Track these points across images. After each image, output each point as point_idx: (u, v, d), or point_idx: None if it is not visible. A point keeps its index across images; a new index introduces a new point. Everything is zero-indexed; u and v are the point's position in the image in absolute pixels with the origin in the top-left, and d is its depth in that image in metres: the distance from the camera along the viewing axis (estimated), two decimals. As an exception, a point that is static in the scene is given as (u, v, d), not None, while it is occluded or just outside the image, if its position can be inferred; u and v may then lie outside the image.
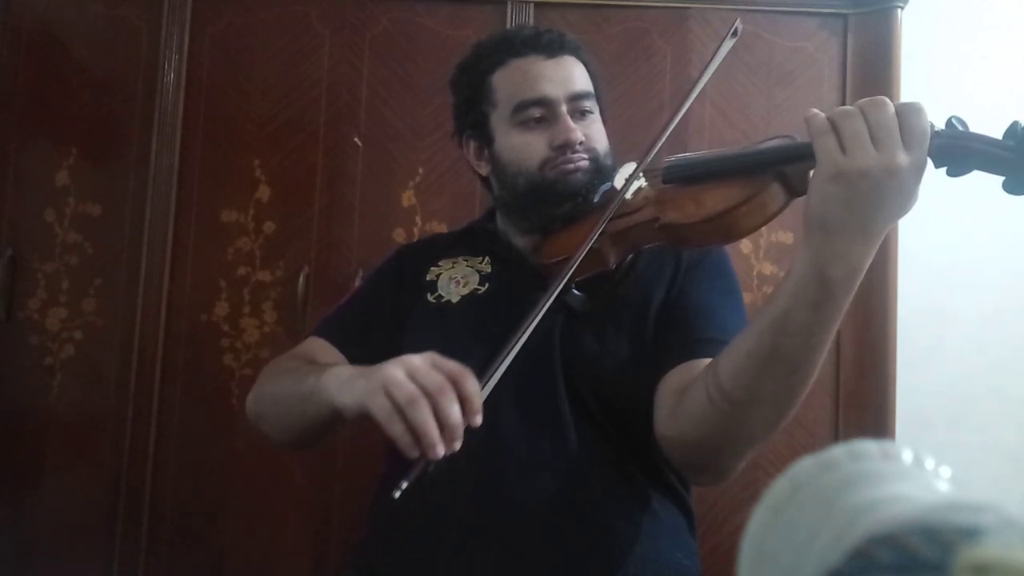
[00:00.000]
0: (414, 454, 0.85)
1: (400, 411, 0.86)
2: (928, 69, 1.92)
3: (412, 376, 0.87)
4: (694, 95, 1.12)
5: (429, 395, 0.86)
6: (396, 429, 0.86)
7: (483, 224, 1.34)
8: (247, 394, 1.70)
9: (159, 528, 1.71)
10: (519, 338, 0.98)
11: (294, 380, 1.10)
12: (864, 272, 0.84)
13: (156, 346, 1.72)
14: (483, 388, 0.91)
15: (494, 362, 0.95)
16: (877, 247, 0.84)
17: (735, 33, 1.14)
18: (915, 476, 0.37)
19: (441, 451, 0.85)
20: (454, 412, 0.85)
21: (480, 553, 1.06)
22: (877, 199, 0.80)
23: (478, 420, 0.88)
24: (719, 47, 1.13)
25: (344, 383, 0.96)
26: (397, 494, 0.83)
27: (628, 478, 1.12)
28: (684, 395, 1.00)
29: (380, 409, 0.87)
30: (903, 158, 0.79)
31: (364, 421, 0.93)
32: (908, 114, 0.80)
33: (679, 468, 1.09)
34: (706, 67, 1.12)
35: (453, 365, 0.89)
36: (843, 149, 0.81)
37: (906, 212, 0.83)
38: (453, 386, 0.87)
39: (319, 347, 1.24)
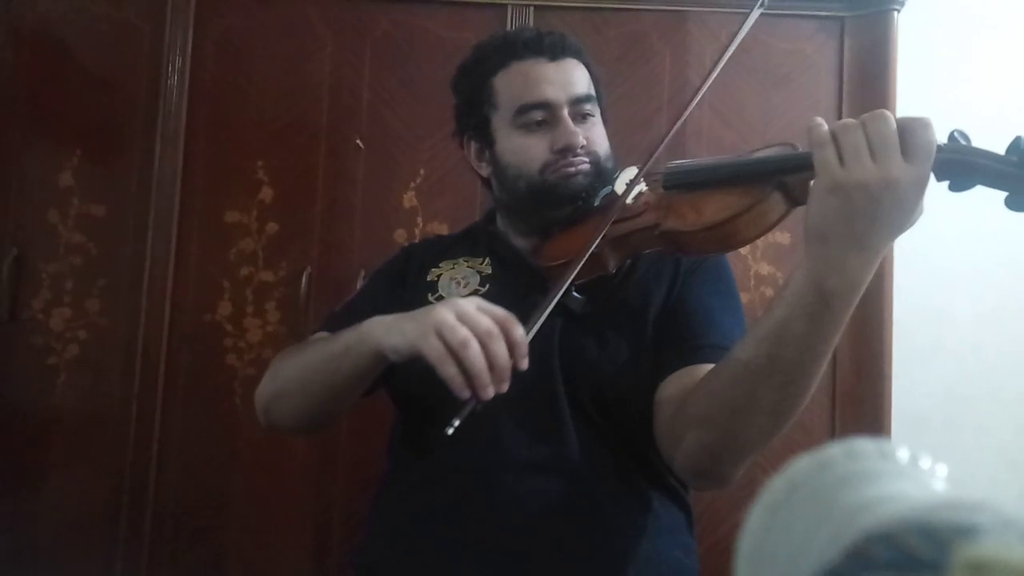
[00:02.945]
0: (465, 395, 0.89)
1: (453, 353, 0.90)
2: (925, 72, 1.92)
3: (462, 319, 0.91)
4: (713, 75, 1.11)
5: (479, 338, 0.90)
6: (449, 370, 0.89)
7: (484, 225, 1.35)
8: (250, 393, 1.71)
9: (162, 527, 1.72)
10: (555, 296, 1.01)
11: (323, 344, 1.12)
12: (864, 286, 0.84)
13: (160, 346, 1.73)
14: (528, 334, 0.95)
15: (535, 313, 0.98)
16: (877, 261, 0.83)
17: (762, 3, 1.13)
18: (912, 475, 0.37)
19: (492, 392, 0.89)
20: (503, 355, 0.90)
21: (481, 554, 1.06)
22: (874, 212, 0.80)
23: (525, 363, 0.92)
24: (747, 18, 1.12)
25: (391, 327, 0.99)
26: (450, 430, 0.88)
27: (628, 479, 1.12)
28: (684, 401, 1.00)
29: (433, 351, 0.91)
30: (903, 172, 0.79)
31: (408, 365, 0.96)
32: (913, 128, 0.80)
33: (678, 473, 1.09)
34: (733, 38, 1.11)
35: (500, 310, 0.94)
36: (842, 161, 0.81)
37: (908, 227, 0.82)
38: (501, 330, 0.91)
39: None
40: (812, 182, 0.85)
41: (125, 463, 1.71)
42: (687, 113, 1.10)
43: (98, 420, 1.72)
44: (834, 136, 0.82)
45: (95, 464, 1.72)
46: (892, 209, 0.80)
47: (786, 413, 0.91)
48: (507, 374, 0.90)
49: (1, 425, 1.73)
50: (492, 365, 0.89)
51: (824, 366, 0.89)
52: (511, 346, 0.91)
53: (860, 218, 0.80)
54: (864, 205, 0.80)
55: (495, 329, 0.91)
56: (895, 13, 1.75)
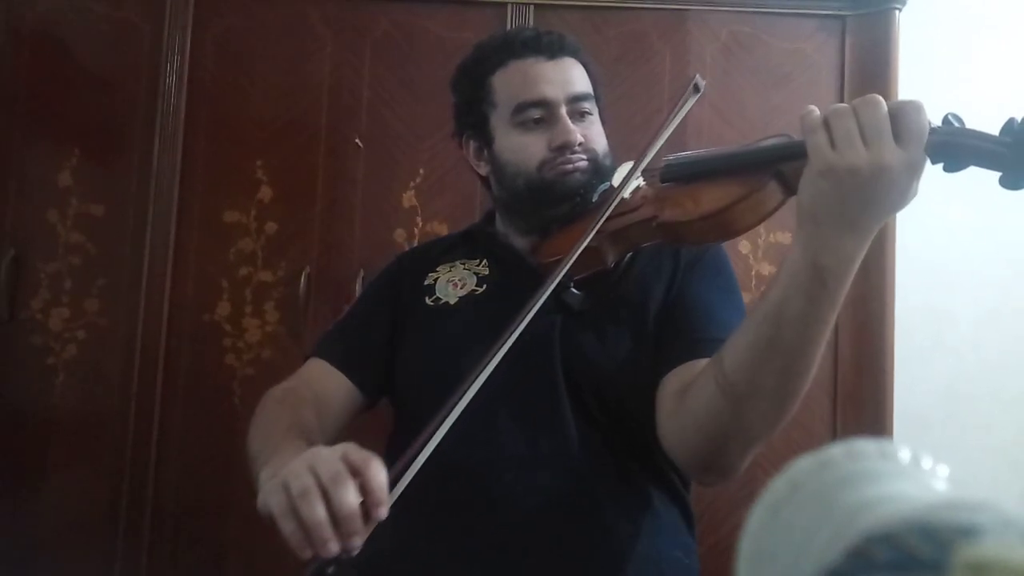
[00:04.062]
0: (306, 554, 0.80)
1: (293, 506, 0.80)
2: (926, 71, 1.92)
3: (312, 468, 0.81)
4: (658, 144, 1.13)
5: (323, 487, 0.80)
6: (287, 526, 0.80)
7: (482, 226, 1.35)
8: (249, 393, 1.72)
9: (161, 526, 1.72)
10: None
11: (260, 446, 1.06)
12: (858, 263, 0.85)
13: (158, 346, 1.73)
14: (400, 479, 0.87)
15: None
16: (870, 240, 0.84)
17: (697, 89, 1.14)
18: (913, 475, 0.37)
19: (334, 548, 0.78)
20: (348, 504, 0.78)
21: (480, 551, 1.06)
22: (866, 196, 0.81)
23: (382, 513, 0.81)
24: (681, 103, 1.13)
25: (264, 481, 0.90)
26: None
27: (629, 477, 1.12)
28: (686, 393, 1.00)
29: (277, 507, 0.81)
30: (894, 156, 0.79)
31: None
32: (906, 112, 0.80)
33: (683, 468, 1.09)
34: (668, 120, 1.13)
35: (360, 454, 0.83)
36: (833, 146, 0.82)
37: (901, 208, 0.83)
38: (355, 475, 0.81)
39: (318, 371, 1.23)
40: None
41: (124, 463, 1.71)
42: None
43: (97, 420, 1.72)
44: (826, 121, 0.83)
45: (94, 464, 1.72)
46: (884, 192, 0.81)
47: (788, 398, 0.92)
48: (353, 526, 0.79)
49: (1, 425, 1.73)
50: (335, 517, 0.78)
51: (822, 348, 0.90)
52: (366, 492, 0.80)
53: (852, 201, 0.81)
54: (855, 189, 0.80)
55: (343, 475, 0.80)
56: (896, 12, 1.75)
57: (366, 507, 0.80)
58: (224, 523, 1.72)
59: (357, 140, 1.77)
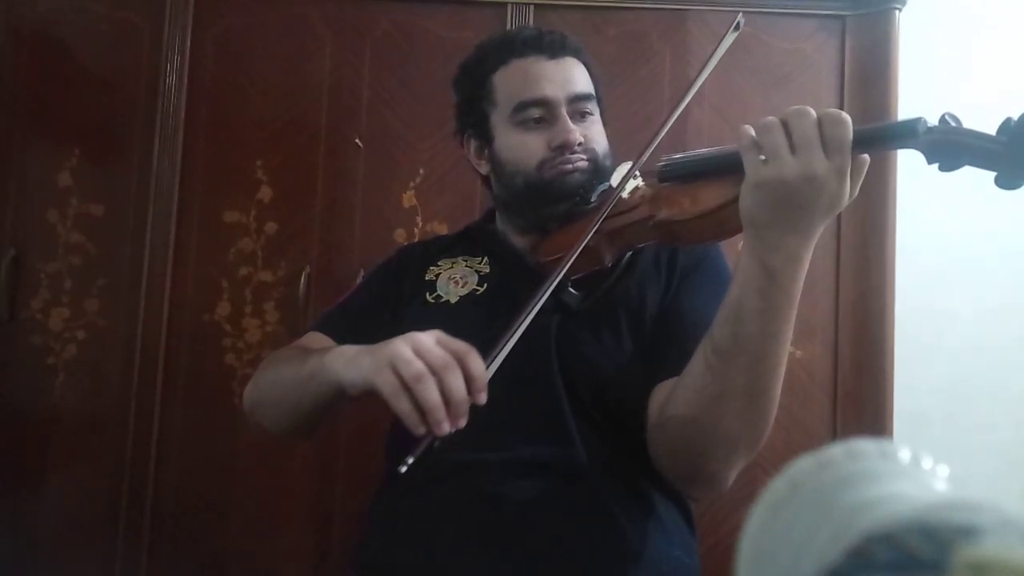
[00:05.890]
0: (420, 431, 0.87)
1: (407, 388, 0.88)
2: (926, 71, 1.92)
3: (418, 353, 0.89)
4: (695, 88, 1.14)
5: (435, 372, 0.88)
6: (403, 405, 0.88)
7: (482, 225, 1.35)
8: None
9: (161, 527, 1.72)
10: (523, 320, 0.99)
11: (296, 363, 1.12)
12: (806, 259, 0.89)
13: (158, 346, 1.73)
14: (488, 368, 0.93)
15: (497, 343, 0.96)
16: (815, 238, 0.89)
17: (737, 27, 1.15)
18: (913, 475, 0.37)
19: (447, 428, 0.87)
20: (460, 389, 0.88)
21: (480, 552, 1.06)
22: (799, 203, 0.85)
23: (483, 398, 0.89)
24: (722, 40, 1.14)
25: (350, 360, 0.98)
26: (403, 469, 0.86)
27: (629, 478, 1.12)
28: (667, 402, 1.02)
29: (387, 385, 0.89)
30: (822, 166, 0.83)
31: (368, 399, 0.96)
32: (828, 124, 0.84)
33: (672, 480, 1.08)
34: (709, 59, 1.13)
35: (460, 343, 0.91)
36: (764, 160, 0.86)
37: (838, 210, 0.87)
38: (459, 364, 0.89)
39: (318, 341, 1.24)
40: None
41: (124, 463, 1.71)
42: (680, 109, 1.12)
43: (97, 420, 1.72)
44: (757, 138, 0.87)
45: (94, 464, 1.72)
46: (815, 198, 0.85)
47: (760, 396, 0.94)
48: (463, 409, 0.88)
49: (1, 425, 1.73)
50: (448, 400, 0.87)
51: (786, 344, 0.93)
52: (469, 380, 0.89)
53: (785, 208, 0.86)
54: (787, 197, 0.85)
55: (452, 362, 0.89)
56: (896, 12, 1.75)
57: (468, 392, 0.89)
58: (224, 523, 1.72)
59: (357, 140, 1.77)
